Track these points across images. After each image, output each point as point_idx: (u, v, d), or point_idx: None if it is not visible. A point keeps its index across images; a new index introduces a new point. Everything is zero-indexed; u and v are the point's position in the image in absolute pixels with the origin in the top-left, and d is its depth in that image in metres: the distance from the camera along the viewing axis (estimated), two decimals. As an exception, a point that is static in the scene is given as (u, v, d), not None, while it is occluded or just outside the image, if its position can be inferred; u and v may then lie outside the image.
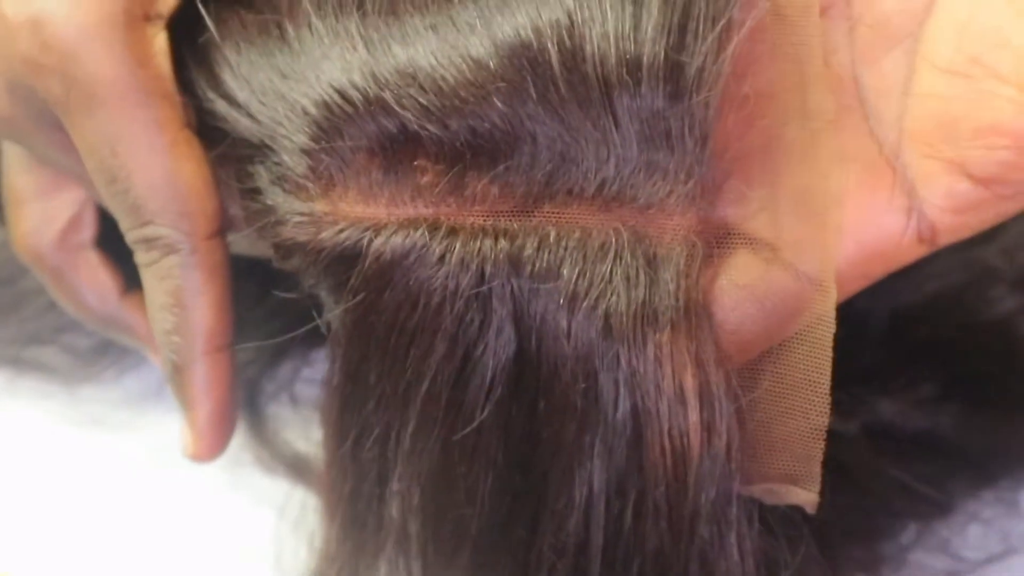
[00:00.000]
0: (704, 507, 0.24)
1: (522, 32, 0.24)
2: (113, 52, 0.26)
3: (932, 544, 0.36)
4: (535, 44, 0.24)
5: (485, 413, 0.25)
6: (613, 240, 0.24)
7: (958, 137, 0.24)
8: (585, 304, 0.24)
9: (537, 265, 0.24)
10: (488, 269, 0.24)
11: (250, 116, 0.26)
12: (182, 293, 0.28)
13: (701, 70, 0.24)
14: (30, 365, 0.42)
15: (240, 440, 0.40)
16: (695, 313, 0.24)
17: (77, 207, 0.33)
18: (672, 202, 0.24)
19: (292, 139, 0.25)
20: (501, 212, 0.25)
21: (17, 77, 0.27)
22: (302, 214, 0.25)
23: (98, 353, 0.42)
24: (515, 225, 0.25)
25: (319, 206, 0.25)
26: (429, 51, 0.24)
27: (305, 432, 0.40)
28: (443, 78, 0.24)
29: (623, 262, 0.24)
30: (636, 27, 0.23)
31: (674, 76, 0.24)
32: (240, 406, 0.39)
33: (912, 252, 0.26)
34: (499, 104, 0.24)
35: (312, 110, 0.25)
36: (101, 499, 0.39)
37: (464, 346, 0.25)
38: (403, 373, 0.25)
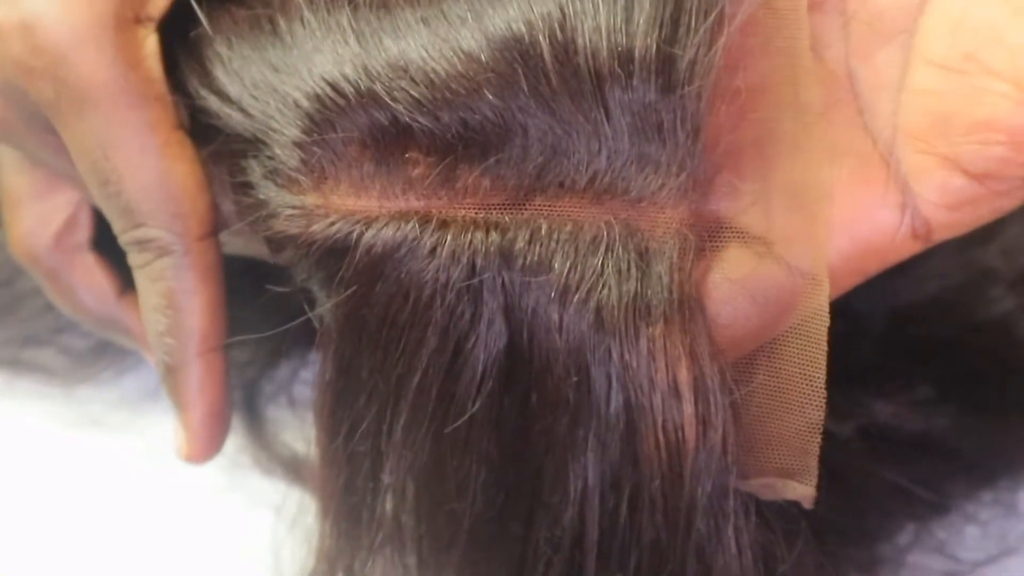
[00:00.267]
0: (700, 500, 0.24)
1: (513, 25, 0.24)
2: (104, 55, 0.26)
3: (929, 545, 0.36)
4: (527, 37, 0.24)
5: (476, 406, 0.25)
6: (605, 233, 0.24)
7: (952, 133, 0.24)
8: (577, 297, 0.24)
9: (528, 258, 0.24)
10: (479, 262, 0.24)
11: (242, 111, 0.26)
12: (175, 294, 0.29)
13: (693, 63, 0.24)
14: (28, 366, 0.42)
15: (238, 442, 0.40)
16: (688, 306, 0.24)
17: (72, 208, 0.33)
18: (664, 195, 0.24)
19: (284, 132, 0.25)
20: (492, 205, 0.25)
21: (9, 80, 0.27)
22: (294, 207, 0.25)
23: (96, 354, 0.42)
24: (506, 218, 0.25)
25: (311, 199, 0.25)
26: (420, 44, 0.24)
27: (303, 433, 0.40)
28: (434, 71, 0.24)
29: (615, 255, 0.24)
30: (628, 20, 0.23)
31: (666, 69, 0.24)
32: (237, 407, 0.39)
33: (907, 248, 0.26)
34: (490, 96, 0.24)
35: (304, 103, 0.25)
36: (99, 500, 0.39)
37: (455, 339, 0.24)
38: (394, 366, 0.25)
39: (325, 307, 0.26)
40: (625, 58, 0.23)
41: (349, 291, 0.25)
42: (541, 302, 0.24)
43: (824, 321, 0.25)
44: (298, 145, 0.25)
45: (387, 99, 0.24)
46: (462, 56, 0.24)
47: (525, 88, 0.24)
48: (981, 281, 0.39)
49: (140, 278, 0.29)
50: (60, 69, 0.26)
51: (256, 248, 0.30)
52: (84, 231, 0.34)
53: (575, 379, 0.24)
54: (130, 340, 0.36)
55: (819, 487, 0.26)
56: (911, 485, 0.35)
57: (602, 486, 0.24)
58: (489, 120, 0.24)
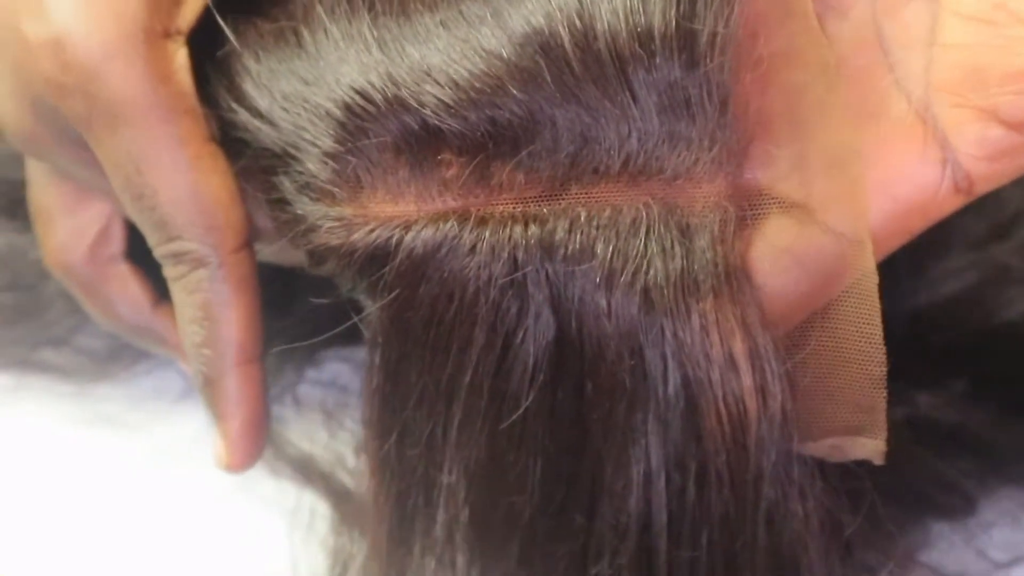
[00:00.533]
0: (767, 470, 0.24)
1: (532, 19, 0.24)
2: (134, 70, 0.26)
3: (960, 541, 0.35)
4: (546, 29, 0.24)
5: (530, 399, 0.24)
6: (644, 214, 0.24)
7: (987, 84, 0.24)
8: (623, 281, 0.24)
9: (570, 247, 0.24)
10: (520, 255, 0.24)
11: (272, 124, 0.27)
12: (211, 306, 0.29)
13: (713, 35, 0.23)
14: (43, 366, 0.42)
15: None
16: (736, 278, 0.24)
17: (104, 220, 0.34)
18: (699, 170, 0.24)
19: (317, 143, 0.26)
20: (529, 198, 0.25)
21: (40, 97, 0.27)
22: (333, 219, 0.26)
23: (110, 356, 0.42)
24: (544, 209, 0.24)
25: (348, 209, 0.25)
26: (442, 47, 0.24)
27: (309, 434, 0.40)
28: (458, 72, 0.24)
29: (657, 235, 0.24)
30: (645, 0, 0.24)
31: (687, 44, 0.24)
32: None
33: (950, 203, 0.25)
34: (515, 92, 0.24)
35: (336, 112, 0.25)
36: (107, 500, 0.39)
37: (503, 334, 0.24)
38: (444, 367, 0.25)
39: (370, 312, 0.26)
40: (646, 38, 0.23)
41: (393, 295, 0.25)
42: (587, 290, 0.24)
43: (873, 280, 0.25)
44: (331, 155, 0.25)
45: (415, 104, 0.24)
46: (484, 55, 0.24)
47: (549, 80, 0.24)
48: (999, 280, 0.38)
49: (176, 290, 0.29)
50: (91, 85, 0.26)
51: (285, 256, 0.30)
52: (117, 242, 0.34)
53: (630, 363, 0.24)
54: (166, 349, 0.36)
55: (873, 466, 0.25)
56: (955, 476, 0.35)
57: (667, 467, 0.24)
58: (517, 115, 0.24)
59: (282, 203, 0.27)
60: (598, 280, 0.24)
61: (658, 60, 0.24)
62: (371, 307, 0.26)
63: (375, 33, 0.25)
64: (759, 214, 0.25)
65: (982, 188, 0.25)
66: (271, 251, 0.30)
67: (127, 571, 0.37)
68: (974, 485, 0.36)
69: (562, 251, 0.24)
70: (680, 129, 0.24)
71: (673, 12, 0.23)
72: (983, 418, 0.37)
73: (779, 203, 0.25)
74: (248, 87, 0.27)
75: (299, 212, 0.26)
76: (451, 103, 0.24)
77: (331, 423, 0.40)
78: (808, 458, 0.25)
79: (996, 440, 0.36)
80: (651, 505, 0.24)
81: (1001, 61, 0.24)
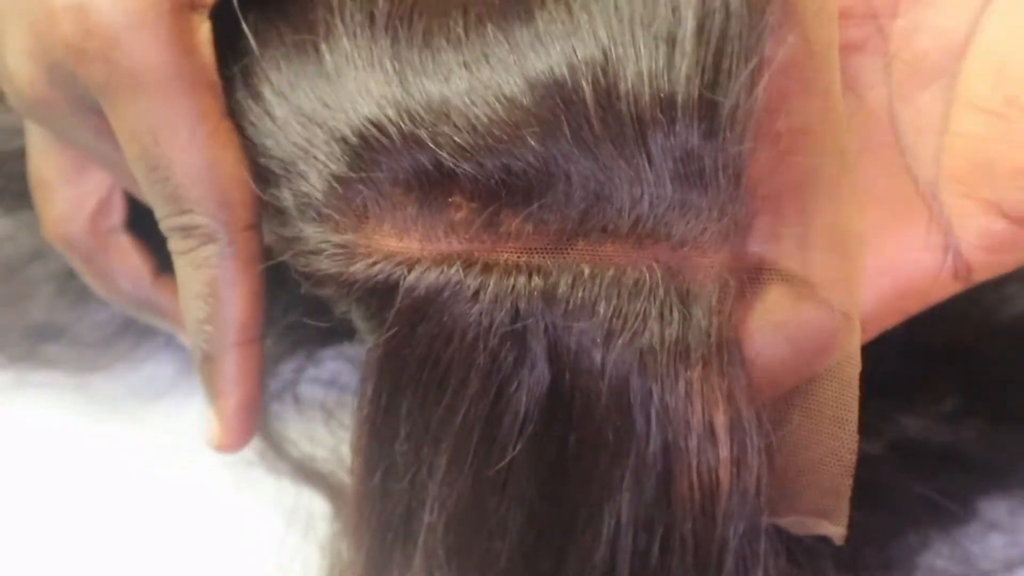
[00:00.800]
0: (732, 541, 0.24)
1: (556, 69, 0.24)
2: (158, 40, 0.26)
3: (954, 554, 0.36)
4: (569, 82, 0.24)
5: (518, 448, 0.25)
6: (647, 277, 0.24)
7: (995, 178, 0.24)
8: (620, 341, 0.24)
9: (571, 302, 0.24)
10: (522, 306, 0.24)
11: (286, 133, 0.26)
12: (217, 283, 0.28)
13: (735, 108, 0.24)
14: (37, 358, 0.42)
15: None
16: (727, 349, 0.25)
17: (105, 191, 0.33)
18: (706, 239, 0.25)
19: (328, 166, 0.25)
20: (535, 249, 0.25)
21: (58, 61, 0.27)
22: (335, 245, 0.26)
23: (105, 346, 0.42)
24: (549, 262, 0.25)
25: (352, 238, 0.25)
26: (463, 90, 0.24)
27: (309, 432, 0.40)
28: (477, 117, 0.24)
29: (657, 299, 0.24)
30: (670, 65, 0.23)
31: (708, 114, 0.24)
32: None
33: (948, 288, 0.26)
34: (533, 143, 0.24)
35: (352, 139, 0.25)
36: (104, 495, 0.39)
37: (498, 382, 0.25)
38: (436, 407, 0.25)
39: (366, 343, 0.26)
40: (668, 104, 0.23)
41: (391, 332, 0.25)
42: (584, 346, 0.24)
43: (856, 367, 0.25)
44: (340, 181, 0.25)
45: (431, 143, 0.24)
46: (504, 102, 0.24)
47: (568, 134, 0.24)
48: (998, 277, 0.38)
49: (182, 265, 0.29)
50: (113, 52, 0.26)
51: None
52: (118, 213, 0.34)
53: (616, 421, 0.24)
54: (165, 322, 0.36)
55: (851, 502, 0.26)
56: (940, 498, 0.35)
57: (635, 526, 0.25)
58: (532, 166, 0.24)
59: (283, 217, 0.27)
60: (597, 338, 0.24)
61: (678, 127, 0.24)
62: (366, 336, 0.26)
63: (396, 66, 0.25)
64: (758, 286, 0.25)
65: (980, 277, 0.26)
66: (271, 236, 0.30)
67: (127, 567, 0.37)
68: (965, 499, 0.37)
69: (563, 305, 0.24)
70: (692, 198, 0.24)
71: (697, 81, 0.23)
72: (973, 435, 0.37)
73: (779, 277, 0.25)
74: (266, 91, 0.27)
75: (300, 232, 0.26)
76: (467, 147, 0.24)
77: (331, 422, 0.40)
78: (773, 533, 0.26)
79: (986, 454, 0.37)
80: (616, 561, 0.25)
81: (1010, 155, 0.24)
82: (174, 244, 0.29)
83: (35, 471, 0.40)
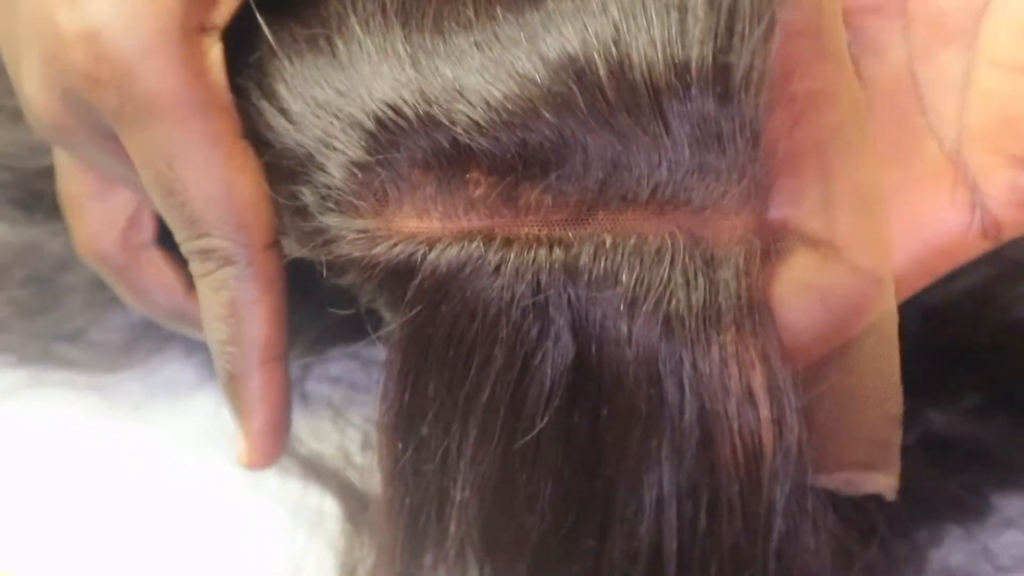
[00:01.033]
0: (779, 502, 0.24)
1: (568, 45, 0.24)
2: (169, 65, 0.26)
3: (973, 550, 0.35)
4: (581, 56, 0.24)
5: (545, 421, 0.25)
6: (669, 244, 0.24)
7: (1020, 133, 0.24)
8: (645, 309, 0.24)
9: (594, 273, 0.24)
10: (544, 278, 0.24)
11: (301, 128, 0.27)
12: (237, 304, 0.28)
13: (749, 70, 0.24)
14: (57, 360, 0.42)
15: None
16: (758, 311, 0.24)
17: (133, 207, 0.33)
18: (727, 203, 0.24)
19: (346, 152, 0.25)
20: (555, 221, 0.25)
21: (71, 88, 0.27)
22: (356, 231, 0.26)
23: (124, 350, 0.42)
24: (570, 234, 0.25)
25: (372, 222, 0.26)
26: (475, 68, 0.25)
27: (317, 430, 0.40)
28: (491, 93, 0.24)
29: (681, 265, 0.24)
30: (683, 32, 0.24)
31: (723, 78, 0.24)
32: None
33: (977, 247, 0.26)
34: (548, 116, 0.24)
35: (368, 124, 0.25)
36: (114, 494, 0.39)
37: (522, 355, 0.25)
38: (462, 384, 0.25)
39: (391, 327, 0.26)
40: (682, 70, 0.24)
41: (415, 311, 0.25)
42: (609, 316, 0.24)
43: (894, 321, 0.25)
44: (360, 166, 0.25)
45: (446, 121, 0.24)
46: (518, 78, 0.24)
47: (582, 106, 0.24)
48: (1012, 275, 0.38)
49: (202, 287, 0.29)
50: (125, 79, 0.26)
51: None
52: (148, 228, 0.34)
53: (647, 391, 0.24)
54: (200, 333, 0.35)
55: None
56: (964, 494, 0.35)
57: (679, 495, 0.24)
58: (548, 139, 0.24)
59: (304, 213, 0.27)
60: (620, 307, 0.24)
61: (693, 92, 0.24)
62: (392, 321, 0.26)
63: (409, 49, 0.25)
64: (784, 250, 0.25)
65: (1009, 234, 0.26)
66: (298, 248, 0.30)
67: (138, 564, 0.37)
68: (986, 494, 0.36)
69: (586, 276, 0.24)
70: (710, 161, 0.24)
71: (710, 46, 0.24)
72: (995, 430, 0.37)
73: (804, 240, 0.25)
74: (281, 89, 0.27)
75: (321, 223, 0.26)
76: (483, 123, 0.24)
77: (339, 420, 0.40)
78: (820, 491, 0.25)
79: (1008, 450, 0.37)
80: (662, 532, 0.25)
81: None
82: (194, 267, 0.29)
83: (48, 469, 0.40)
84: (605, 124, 0.24)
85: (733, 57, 0.24)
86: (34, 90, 0.29)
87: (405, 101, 0.25)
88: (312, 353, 0.40)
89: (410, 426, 0.26)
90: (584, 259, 0.24)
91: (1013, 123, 0.24)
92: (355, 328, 0.29)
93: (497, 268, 0.24)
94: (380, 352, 0.28)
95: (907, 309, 0.26)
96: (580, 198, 0.25)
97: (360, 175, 0.25)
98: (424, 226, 0.25)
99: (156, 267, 0.34)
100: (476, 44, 0.25)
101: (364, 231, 0.26)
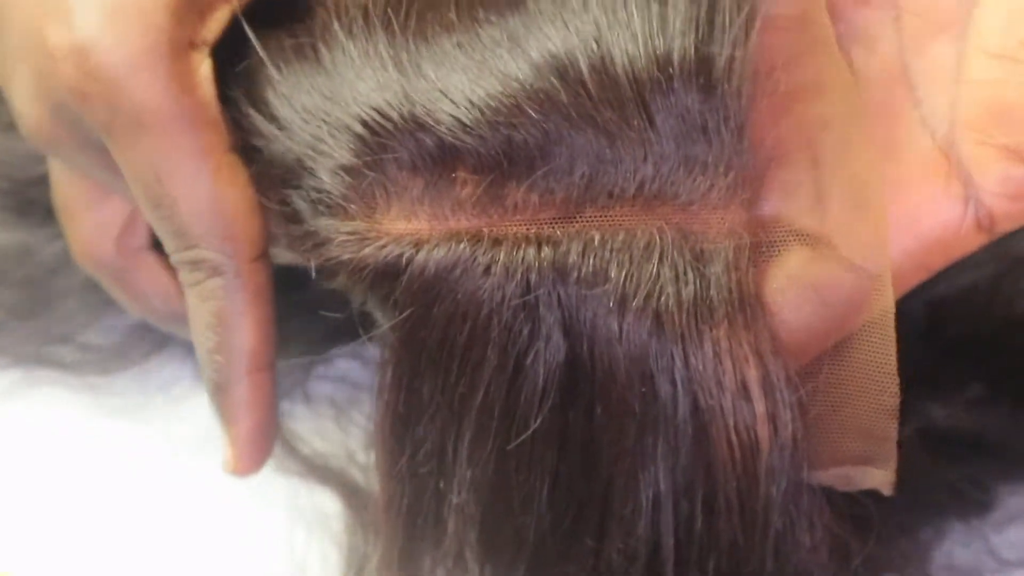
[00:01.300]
0: (776, 498, 0.24)
1: (550, 45, 0.24)
2: (158, 81, 0.26)
3: (974, 543, 0.35)
4: (564, 55, 0.24)
5: (539, 421, 0.25)
6: (658, 239, 0.24)
7: (1013, 123, 0.24)
8: (635, 305, 0.24)
9: (583, 270, 0.24)
10: (533, 277, 0.24)
11: (290, 134, 0.27)
12: (225, 314, 0.29)
13: (731, 60, 0.23)
14: (51, 362, 0.42)
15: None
16: (750, 305, 0.24)
17: (128, 213, 0.34)
18: (714, 196, 0.24)
19: (335, 156, 0.26)
20: (543, 219, 0.25)
21: (62, 103, 0.27)
22: (345, 233, 0.26)
23: (117, 353, 0.42)
24: (558, 232, 0.24)
25: (362, 225, 0.26)
26: (458, 68, 0.25)
27: (320, 430, 0.40)
28: (475, 92, 0.24)
29: (670, 260, 0.24)
30: (664, 25, 0.23)
31: (705, 69, 0.23)
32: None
33: (971, 241, 0.25)
34: (532, 113, 0.24)
35: (356, 127, 0.25)
36: (113, 493, 0.39)
37: (515, 355, 0.24)
38: (456, 386, 0.25)
39: (382, 329, 0.26)
40: (664, 62, 0.23)
41: (406, 313, 0.25)
42: (599, 313, 0.24)
43: (891, 315, 0.25)
44: (348, 169, 0.25)
45: (431, 121, 0.24)
46: (500, 77, 0.24)
47: (566, 103, 0.24)
48: (1017, 270, 0.38)
49: (191, 296, 0.29)
50: (114, 94, 0.26)
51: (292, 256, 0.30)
52: (143, 233, 0.34)
53: (640, 388, 0.24)
54: None
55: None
56: (966, 486, 0.35)
57: (675, 493, 0.24)
58: (533, 136, 0.24)
59: (293, 217, 0.27)
60: (611, 304, 0.24)
61: (675, 84, 0.24)
62: (383, 324, 0.26)
63: (392, 52, 0.25)
64: (776, 245, 0.25)
65: (1004, 227, 0.25)
66: (288, 256, 0.30)
67: (136, 565, 0.37)
68: (988, 487, 0.36)
69: (575, 274, 0.24)
70: (696, 154, 0.24)
71: (691, 37, 0.23)
72: (998, 422, 0.36)
73: (797, 235, 0.25)
74: (269, 96, 0.27)
75: (311, 227, 0.26)
76: (467, 121, 0.24)
77: (342, 419, 0.40)
78: (817, 487, 0.25)
79: (1011, 442, 0.36)
80: (660, 530, 0.24)
81: None
82: (183, 276, 0.29)
83: (45, 469, 0.40)
84: (589, 120, 0.24)
85: (715, 48, 0.23)
86: (26, 105, 0.29)
87: (389, 103, 0.25)
88: (314, 352, 0.40)
89: (406, 428, 0.26)
90: (573, 257, 0.24)
91: (1005, 113, 0.24)
92: (356, 328, 0.28)
93: (487, 268, 0.24)
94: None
95: (911, 303, 0.26)
96: (567, 195, 0.24)
97: (349, 178, 0.25)
98: (412, 227, 0.25)
99: (151, 271, 0.34)
100: (459, 45, 0.25)
101: (353, 233, 0.26)
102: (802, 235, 0.25)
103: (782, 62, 0.24)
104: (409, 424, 0.26)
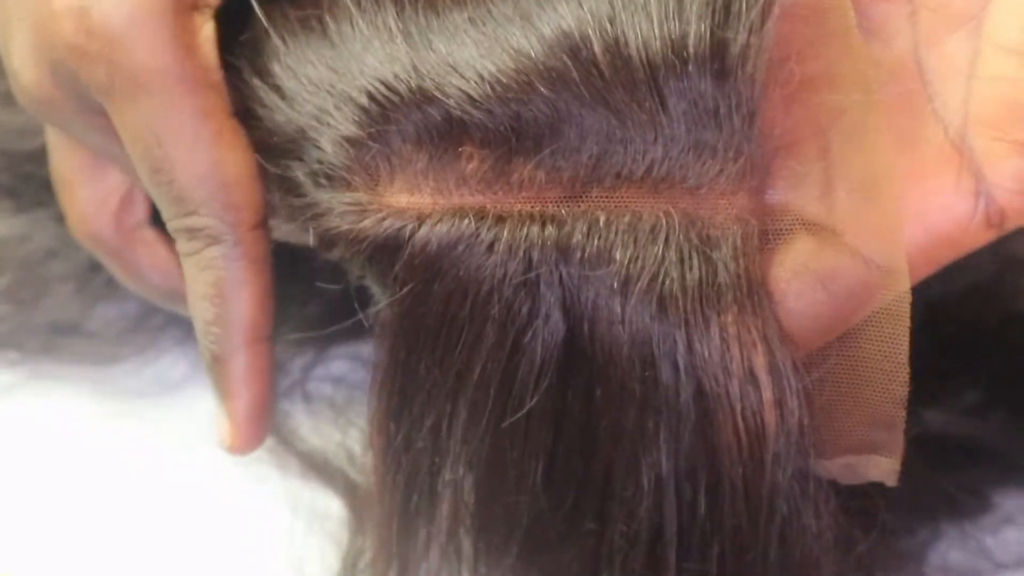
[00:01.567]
0: (782, 484, 0.24)
1: (563, 23, 0.24)
2: (160, 41, 0.26)
3: (969, 547, 0.35)
4: (576, 33, 0.24)
5: (535, 400, 0.24)
6: (664, 222, 0.24)
7: None
8: (638, 288, 0.24)
9: (587, 251, 0.24)
10: (535, 256, 0.24)
11: (294, 104, 0.26)
12: (223, 284, 0.28)
13: (745, 47, 0.23)
14: (55, 352, 0.41)
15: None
16: (757, 291, 0.24)
17: (126, 187, 0.33)
18: (723, 181, 0.24)
19: (339, 128, 0.25)
20: (548, 198, 0.24)
21: (60, 62, 0.27)
22: (345, 203, 0.25)
23: (119, 341, 0.42)
24: (563, 211, 0.24)
25: (363, 196, 0.25)
26: (469, 43, 0.24)
27: (318, 430, 0.40)
28: (485, 67, 0.24)
29: (676, 244, 0.24)
30: (680, 8, 0.23)
31: (720, 55, 0.23)
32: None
33: (981, 236, 0.25)
34: (543, 90, 0.24)
35: (361, 99, 0.25)
36: (111, 490, 0.38)
37: (513, 333, 0.24)
38: (453, 362, 0.25)
39: (381, 304, 0.26)
40: (679, 46, 0.23)
41: (406, 289, 0.25)
42: (602, 295, 0.24)
43: (906, 302, 0.24)
44: (351, 141, 0.25)
45: (439, 94, 0.24)
46: (512, 52, 0.24)
47: (577, 81, 0.24)
48: (1016, 271, 0.38)
49: (188, 266, 0.29)
50: (115, 53, 0.26)
51: (299, 235, 0.30)
52: (141, 209, 0.33)
53: (641, 371, 0.24)
54: None
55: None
56: (962, 494, 0.34)
57: (677, 477, 0.24)
58: (542, 113, 0.24)
59: (295, 189, 0.27)
60: (614, 286, 0.24)
61: (690, 68, 0.23)
62: (382, 299, 0.26)
63: (401, 25, 0.25)
64: (782, 233, 0.25)
65: (1014, 223, 0.25)
66: (286, 229, 0.30)
67: (137, 560, 0.37)
68: (985, 490, 0.36)
69: (578, 254, 0.24)
70: (706, 138, 0.24)
71: (708, 22, 0.23)
72: (994, 427, 0.36)
73: (804, 224, 0.25)
74: (274, 67, 0.27)
75: (312, 199, 0.26)
76: (476, 96, 0.24)
77: (341, 420, 0.40)
78: (822, 476, 0.25)
79: (1007, 447, 0.36)
80: (662, 514, 0.24)
81: None
82: (181, 245, 0.29)
83: (47, 464, 0.39)
84: (600, 100, 0.24)
85: (730, 34, 0.23)
86: (23, 63, 0.28)
87: (397, 76, 0.25)
88: (310, 330, 0.40)
89: (402, 404, 0.26)
90: (577, 237, 0.24)
91: (1018, 109, 0.24)
92: (356, 327, 0.28)
93: (491, 245, 0.24)
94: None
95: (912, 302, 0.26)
96: (574, 174, 0.24)
97: (352, 150, 0.25)
98: (415, 201, 0.25)
99: (150, 247, 0.33)
100: (470, 20, 0.25)
101: (354, 204, 0.25)
102: (809, 224, 0.25)
103: (797, 51, 0.24)
104: (405, 400, 0.26)
